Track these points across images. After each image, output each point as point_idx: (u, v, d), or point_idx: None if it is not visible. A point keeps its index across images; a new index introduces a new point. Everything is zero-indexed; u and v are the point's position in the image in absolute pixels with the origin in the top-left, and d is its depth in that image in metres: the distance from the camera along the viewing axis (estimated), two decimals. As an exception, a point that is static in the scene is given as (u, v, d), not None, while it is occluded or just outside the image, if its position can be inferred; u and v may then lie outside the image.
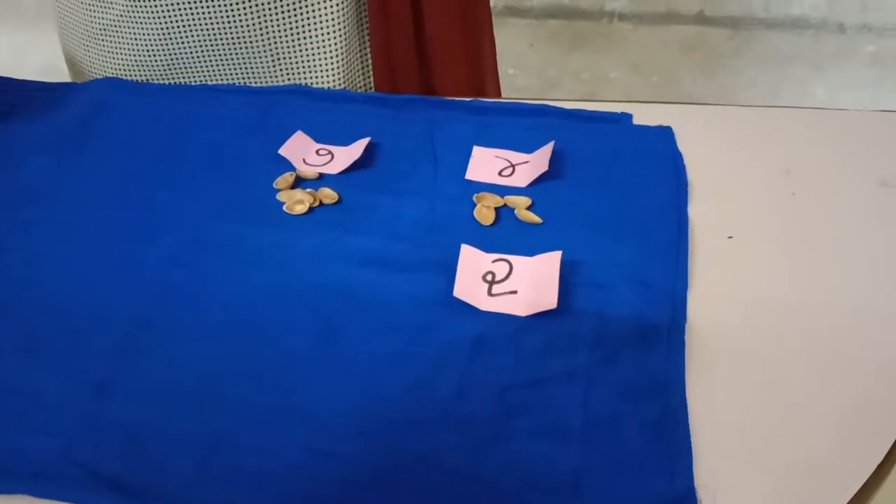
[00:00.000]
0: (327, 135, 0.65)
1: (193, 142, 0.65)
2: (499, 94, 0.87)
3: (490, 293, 0.50)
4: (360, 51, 0.76)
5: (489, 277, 0.51)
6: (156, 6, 0.72)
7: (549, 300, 0.48)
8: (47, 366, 0.47)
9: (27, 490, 0.40)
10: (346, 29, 0.73)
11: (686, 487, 0.39)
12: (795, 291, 0.50)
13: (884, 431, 0.41)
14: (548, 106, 0.67)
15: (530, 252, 0.52)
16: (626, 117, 0.66)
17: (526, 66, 1.83)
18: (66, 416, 0.44)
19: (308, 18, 0.72)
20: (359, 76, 0.78)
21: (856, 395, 0.44)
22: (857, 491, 0.39)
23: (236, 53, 0.75)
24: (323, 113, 0.68)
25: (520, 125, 0.66)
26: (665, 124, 0.65)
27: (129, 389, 0.45)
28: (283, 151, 0.62)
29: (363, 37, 0.76)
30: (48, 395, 0.45)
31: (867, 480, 0.39)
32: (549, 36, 1.87)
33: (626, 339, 0.47)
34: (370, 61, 0.77)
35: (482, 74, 0.84)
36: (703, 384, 0.45)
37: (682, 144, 0.63)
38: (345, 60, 0.75)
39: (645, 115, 0.66)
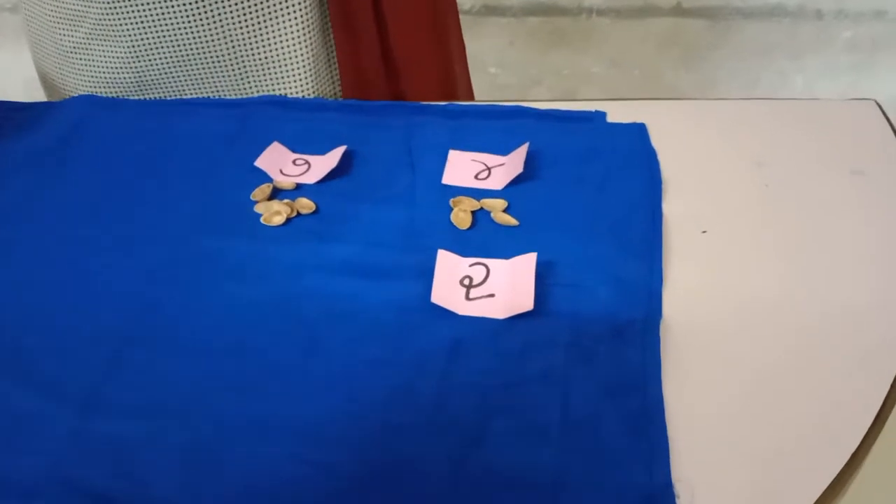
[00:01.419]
0: (303, 144, 0.65)
1: (170, 156, 0.65)
2: (472, 98, 0.87)
3: (468, 297, 0.50)
4: (328, 62, 0.76)
5: (466, 281, 0.51)
6: (123, 24, 0.72)
7: (526, 302, 0.49)
8: (31, 383, 0.47)
9: (11, 510, 0.41)
10: (313, 41, 0.73)
11: (664, 482, 0.40)
12: (770, 284, 0.51)
13: (856, 424, 0.42)
14: (522, 107, 0.68)
15: (508, 254, 0.53)
16: (600, 115, 0.66)
17: (507, 64, 1.83)
18: (50, 433, 0.44)
19: (274, 33, 0.73)
20: (328, 87, 0.78)
21: (830, 387, 0.45)
22: (829, 482, 0.39)
23: (205, 68, 0.75)
24: (298, 122, 0.68)
25: (495, 128, 0.66)
26: (639, 121, 0.65)
27: (113, 405, 0.46)
28: (259, 163, 0.62)
29: (330, 48, 0.76)
30: (32, 413, 0.45)
31: (839, 472, 0.40)
32: (528, 33, 1.87)
33: (603, 337, 0.47)
34: (338, 73, 0.77)
35: (452, 80, 0.84)
36: (680, 379, 0.45)
37: (656, 140, 0.63)
38: (313, 72, 0.75)
39: (620, 113, 0.66)
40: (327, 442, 0.43)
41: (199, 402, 0.46)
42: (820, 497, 0.39)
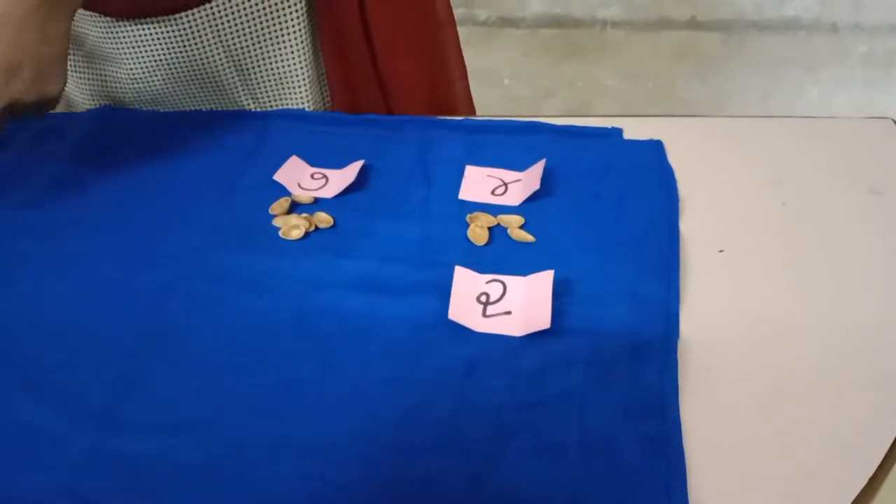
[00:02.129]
0: (321, 158, 0.65)
1: (189, 168, 0.66)
2: (473, 115, 0.87)
3: (485, 314, 0.50)
4: (319, 81, 0.76)
5: (483, 298, 0.51)
6: (125, 41, 0.72)
7: (543, 320, 0.49)
8: (47, 399, 0.47)
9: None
10: (308, 61, 0.73)
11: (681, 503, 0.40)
12: (787, 302, 0.51)
13: (876, 443, 0.42)
14: (539, 123, 0.68)
15: (524, 271, 0.53)
16: (617, 132, 0.66)
17: (521, 75, 1.84)
18: (66, 449, 0.44)
19: (271, 53, 0.72)
20: (318, 106, 0.78)
21: (848, 406, 0.44)
22: (852, 501, 0.39)
23: (201, 88, 0.75)
24: (316, 136, 0.69)
25: (512, 143, 0.66)
26: (655, 137, 0.65)
27: (129, 421, 0.46)
28: (278, 177, 0.63)
29: (320, 67, 0.76)
30: (48, 429, 0.45)
31: (859, 493, 0.39)
32: (542, 45, 1.88)
33: (620, 356, 0.47)
34: (328, 91, 0.78)
35: (447, 97, 0.84)
36: (697, 398, 0.45)
37: (673, 157, 0.63)
38: (308, 90, 0.75)
39: (636, 129, 0.67)
40: (341, 460, 0.43)
41: (215, 418, 0.46)
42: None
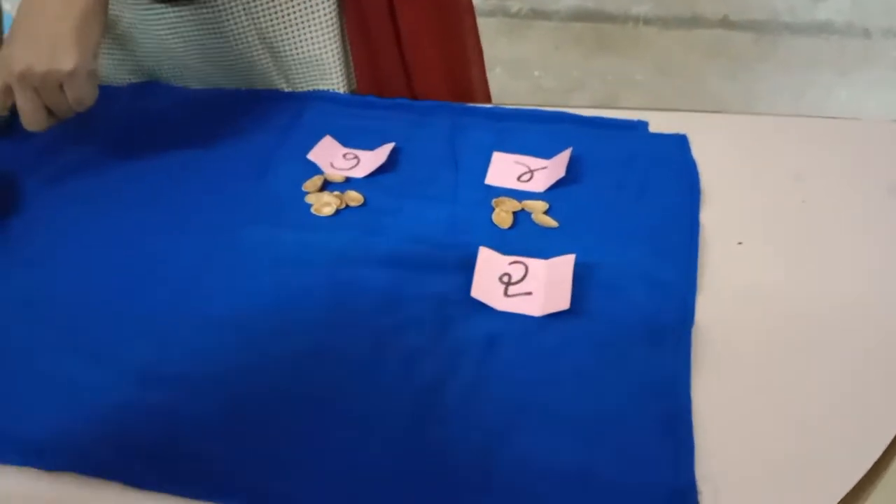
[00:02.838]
0: (354, 140, 0.68)
1: (227, 145, 0.68)
2: (488, 101, 0.88)
3: (506, 294, 0.52)
4: (346, 64, 0.78)
5: (505, 279, 0.53)
6: (159, 24, 0.74)
7: (563, 301, 0.50)
8: (92, 357, 0.50)
9: (74, 468, 0.44)
10: (335, 44, 0.75)
11: (688, 480, 0.41)
12: (802, 296, 0.52)
13: (883, 428, 0.43)
14: (566, 113, 0.69)
15: (546, 255, 0.55)
16: (643, 125, 0.68)
17: (551, 67, 1.85)
18: (108, 400, 0.47)
19: (301, 36, 0.74)
20: (344, 89, 0.80)
21: (857, 395, 0.46)
22: (851, 487, 0.41)
23: (228, 68, 0.77)
24: (349, 118, 0.71)
25: (539, 131, 0.68)
26: (681, 132, 0.67)
27: (165, 377, 0.48)
28: (311, 156, 0.65)
29: (346, 51, 0.78)
30: (93, 383, 0.48)
31: (862, 476, 0.41)
32: (574, 39, 1.88)
33: (636, 338, 0.49)
34: (354, 74, 0.79)
35: (466, 82, 0.86)
36: (709, 383, 0.47)
37: (697, 151, 0.64)
38: (336, 74, 0.77)
39: (661, 123, 0.68)
40: (361, 423, 0.45)
41: (244, 377, 0.48)
42: (843, 499, 0.40)
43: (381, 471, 0.43)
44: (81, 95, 0.60)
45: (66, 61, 0.58)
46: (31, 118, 0.60)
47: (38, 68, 0.57)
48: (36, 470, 0.44)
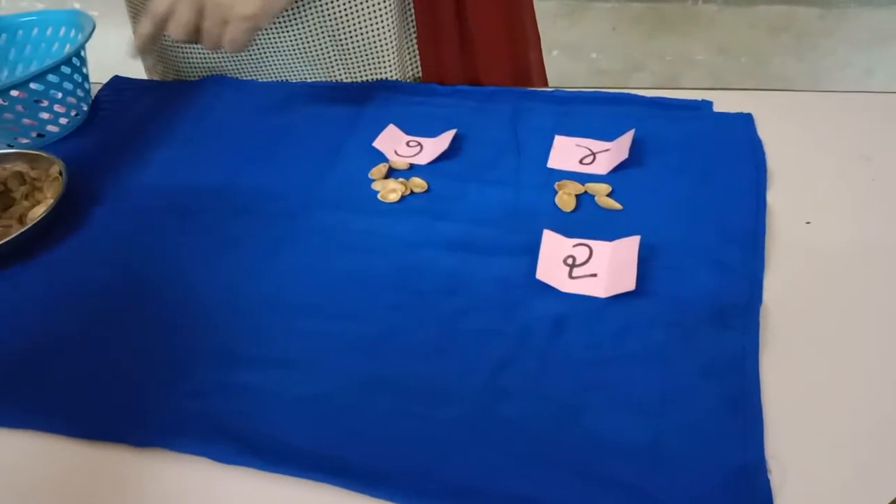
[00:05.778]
0: (417, 127, 0.69)
1: (295, 136, 0.71)
2: (545, 84, 0.88)
3: (571, 276, 0.53)
4: (409, 49, 0.79)
5: (570, 261, 0.54)
6: None
7: (628, 282, 0.51)
8: (181, 340, 0.53)
9: (163, 444, 0.46)
10: (396, 29, 0.76)
11: (757, 458, 0.41)
12: (871, 276, 0.51)
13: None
14: (628, 94, 0.69)
15: (610, 237, 0.55)
16: (707, 104, 0.67)
17: (609, 49, 1.83)
18: (196, 380, 0.50)
19: (363, 22, 0.75)
20: (408, 74, 0.81)
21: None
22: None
23: (292, 55, 0.79)
24: (412, 106, 0.72)
25: (600, 114, 0.68)
26: (745, 111, 0.66)
27: (247, 358, 0.51)
28: (376, 144, 0.67)
29: (409, 36, 0.79)
30: (183, 364, 0.51)
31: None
32: (632, 19, 1.86)
33: (703, 318, 0.49)
34: (417, 59, 0.80)
35: (526, 67, 0.86)
36: (778, 362, 0.47)
37: (763, 130, 0.64)
38: (397, 59, 0.78)
39: (726, 102, 0.67)
40: (434, 398, 0.47)
41: (321, 359, 0.50)
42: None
43: (454, 445, 0.44)
44: (238, 39, 0.62)
45: (249, 5, 0.60)
46: (180, 27, 0.62)
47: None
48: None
